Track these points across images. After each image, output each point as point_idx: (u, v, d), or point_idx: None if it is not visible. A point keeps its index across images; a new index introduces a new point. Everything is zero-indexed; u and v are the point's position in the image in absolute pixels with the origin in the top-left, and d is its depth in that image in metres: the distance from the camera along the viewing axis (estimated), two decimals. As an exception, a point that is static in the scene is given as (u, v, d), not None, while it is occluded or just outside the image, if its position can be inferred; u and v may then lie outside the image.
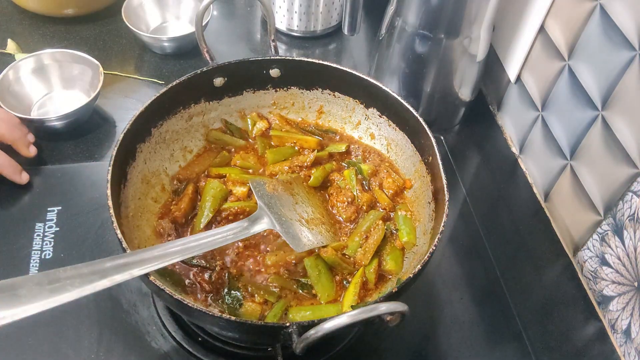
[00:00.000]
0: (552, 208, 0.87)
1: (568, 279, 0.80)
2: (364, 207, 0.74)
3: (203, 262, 0.68)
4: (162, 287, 0.55)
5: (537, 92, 0.88)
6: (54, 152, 0.88)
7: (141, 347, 0.69)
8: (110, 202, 0.61)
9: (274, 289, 0.66)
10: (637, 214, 0.68)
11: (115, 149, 0.65)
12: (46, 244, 0.76)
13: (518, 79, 0.93)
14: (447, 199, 0.64)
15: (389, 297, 0.56)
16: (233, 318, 0.54)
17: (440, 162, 0.67)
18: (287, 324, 0.52)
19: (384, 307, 0.49)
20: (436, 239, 0.61)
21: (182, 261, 0.67)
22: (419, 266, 0.58)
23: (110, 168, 0.63)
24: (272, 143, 0.82)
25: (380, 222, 0.71)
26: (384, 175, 0.78)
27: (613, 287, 0.73)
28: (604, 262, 0.74)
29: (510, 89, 0.96)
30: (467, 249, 0.83)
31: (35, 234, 0.77)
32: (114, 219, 0.60)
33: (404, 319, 0.51)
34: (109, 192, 0.62)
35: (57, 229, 0.78)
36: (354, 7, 0.93)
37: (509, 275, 0.80)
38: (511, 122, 0.97)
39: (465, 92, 0.94)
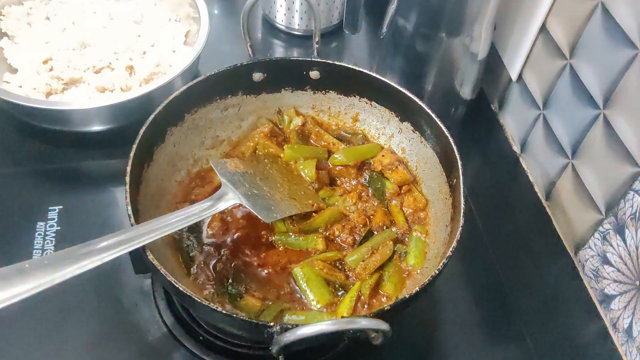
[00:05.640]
0: (554, 207, 0.87)
1: (569, 277, 0.80)
2: (368, 225, 0.74)
3: (212, 249, 0.69)
4: (159, 267, 0.55)
5: (538, 90, 0.88)
6: (54, 151, 0.88)
7: (142, 346, 0.69)
8: (127, 178, 0.62)
9: (273, 289, 0.67)
10: (639, 213, 0.68)
11: (144, 128, 0.66)
12: (47, 243, 0.76)
13: (519, 77, 0.93)
14: (461, 224, 0.62)
15: (379, 314, 0.55)
16: (219, 308, 0.54)
17: (462, 187, 0.65)
18: (271, 324, 0.52)
19: (364, 322, 0.50)
20: (440, 264, 0.59)
21: (197, 241, 0.69)
22: (416, 288, 0.57)
23: (135, 146, 0.64)
24: (312, 139, 0.82)
25: (390, 242, 0.71)
26: (406, 192, 0.77)
27: (614, 286, 0.73)
28: (606, 260, 0.74)
29: (511, 88, 0.96)
30: (468, 248, 0.82)
31: (36, 233, 0.77)
32: (127, 195, 0.61)
33: (385, 338, 0.51)
34: (129, 168, 0.63)
35: (59, 228, 0.78)
36: (355, 5, 0.93)
37: (510, 274, 0.80)
38: (512, 120, 0.97)
39: (466, 91, 0.94)
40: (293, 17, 1.09)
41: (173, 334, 0.70)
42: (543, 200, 0.89)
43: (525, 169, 0.93)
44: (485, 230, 0.84)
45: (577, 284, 0.79)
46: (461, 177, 0.66)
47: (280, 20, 1.11)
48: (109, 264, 0.75)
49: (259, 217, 0.67)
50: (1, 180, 0.84)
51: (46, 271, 0.50)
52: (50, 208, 0.80)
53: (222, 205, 0.65)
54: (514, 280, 0.79)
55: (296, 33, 1.12)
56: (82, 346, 0.68)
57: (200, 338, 0.69)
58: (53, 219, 0.79)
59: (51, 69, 0.91)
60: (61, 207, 0.81)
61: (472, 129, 0.99)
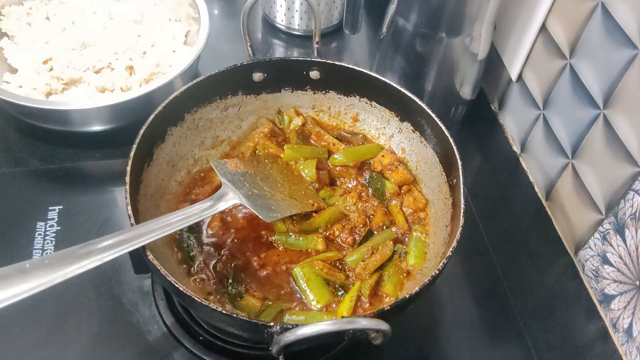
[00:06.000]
0: (554, 207, 0.87)
1: (569, 277, 0.80)
2: (368, 225, 0.74)
3: (212, 249, 0.69)
4: (159, 267, 0.56)
5: (538, 90, 0.88)
6: (54, 151, 0.88)
7: (142, 346, 0.69)
8: (128, 178, 0.62)
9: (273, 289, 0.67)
10: (639, 213, 0.68)
11: (144, 128, 0.66)
12: (47, 243, 0.76)
13: (519, 77, 0.93)
14: (461, 224, 0.62)
15: (379, 314, 0.55)
16: (219, 308, 0.54)
17: (462, 187, 0.65)
18: (271, 324, 0.52)
19: (364, 322, 0.50)
20: (440, 264, 0.59)
21: (197, 241, 0.69)
22: (416, 288, 0.57)
23: (135, 146, 0.64)
24: (312, 139, 0.82)
25: (390, 242, 0.71)
26: (406, 193, 0.77)
27: (614, 285, 0.73)
28: (606, 260, 0.74)
29: (511, 88, 0.96)
30: (468, 248, 0.83)
31: (36, 233, 0.77)
32: (127, 195, 0.61)
33: (385, 338, 0.51)
34: (129, 168, 0.63)
35: (59, 228, 0.78)
36: (355, 5, 0.93)
37: (510, 274, 0.80)
38: (512, 120, 0.97)
39: (466, 91, 0.94)
40: (293, 17, 1.09)
41: (173, 334, 0.70)
42: (543, 200, 0.89)
43: (525, 169, 0.93)
44: (485, 230, 0.84)
45: (577, 284, 0.79)
46: (461, 177, 0.66)
47: (280, 20, 1.11)
48: (109, 264, 0.75)
49: (260, 216, 0.67)
50: (1, 180, 0.84)
51: (47, 271, 0.50)
52: (50, 208, 0.80)
53: (223, 205, 0.65)
54: (514, 280, 0.79)
55: (296, 33, 1.12)
56: (82, 346, 0.68)
57: (200, 338, 0.69)
58: (53, 219, 0.79)
59: (51, 69, 0.91)
60: (61, 207, 0.81)
61: (472, 129, 0.99)
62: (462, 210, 0.63)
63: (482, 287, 0.79)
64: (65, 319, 0.70)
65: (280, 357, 0.54)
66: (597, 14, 0.73)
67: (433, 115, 0.73)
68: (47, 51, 0.92)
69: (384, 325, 0.50)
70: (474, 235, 0.84)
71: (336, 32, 1.14)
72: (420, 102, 0.74)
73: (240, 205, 0.68)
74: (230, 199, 0.66)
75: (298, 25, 1.10)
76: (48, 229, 0.78)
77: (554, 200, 0.86)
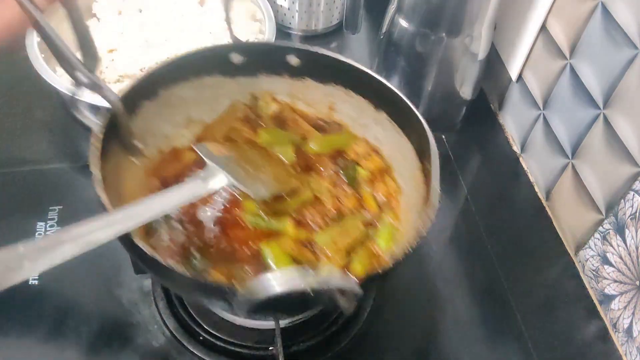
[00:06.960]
0: (554, 207, 0.87)
1: (569, 277, 0.80)
2: (340, 210, 0.73)
3: (179, 224, 0.68)
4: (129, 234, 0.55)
5: (538, 90, 0.88)
6: (55, 151, 0.88)
7: (142, 345, 0.69)
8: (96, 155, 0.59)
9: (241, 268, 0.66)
10: (639, 213, 0.68)
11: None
12: (47, 243, 0.76)
13: (519, 77, 0.93)
14: (431, 211, 0.59)
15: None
16: (181, 271, 0.52)
17: (435, 172, 0.63)
18: (233, 284, 0.52)
19: (336, 279, 0.48)
20: (408, 248, 0.56)
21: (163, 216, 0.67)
22: (389, 261, 0.55)
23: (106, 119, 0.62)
24: (288, 125, 0.80)
25: (361, 225, 0.70)
26: (379, 180, 0.76)
27: (614, 286, 0.73)
28: (606, 260, 0.74)
29: (511, 88, 0.96)
30: (468, 248, 0.83)
31: (36, 233, 0.77)
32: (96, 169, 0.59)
33: (356, 301, 0.49)
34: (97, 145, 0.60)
35: (59, 228, 0.78)
36: (355, 5, 0.93)
37: (510, 274, 0.80)
38: (512, 120, 0.97)
39: (466, 91, 0.94)
40: (293, 17, 1.09)
41: (173, 334, 0.70)
42: (543, 200, 0.89)
43: (525, 169, 0.93)
44: (484, 230, 0.84)
45: (577, 283, 0.79)
46: (433, 160, 0.64)
47: (280, 20, 1.10)
48: (109, 264, 0.76)
49: (251, 194, 0.67)
50: (1, 180, 0.84)
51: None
52: (50, 208, 0.80)
53: (213, 187, 0.65)
54: (514, 280, 0.79)
55: (296, 33, 1.12)
56: (82, 346, 0.68)
57: (201, 338, 0.69)
58: (53, 219, 0.79)
59: (112, 60, 0.91)
60: (61, 207, 0.81)
61: (472, 129, 0.99)
62: (433, 198, 0.61)
63: (482, 288, 0.79)
64: (65, 319, 0.70)
65: (281, 357, 0.54)
66: (597, 14, 0.73)
67: (408, 103, 0.71)
68: (116, 42, 0.92)
69: (353, 285, 0.48)
70: (473, 235, 0.84)
71: (336, 32, 1.14)
72: (395, 90, 0.72)
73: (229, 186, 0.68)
74: (220, 180, 0.66)
75: (298, 25, 1.10)
76: (48, 229, 0.78)
77: (554, 200, 0.87)
